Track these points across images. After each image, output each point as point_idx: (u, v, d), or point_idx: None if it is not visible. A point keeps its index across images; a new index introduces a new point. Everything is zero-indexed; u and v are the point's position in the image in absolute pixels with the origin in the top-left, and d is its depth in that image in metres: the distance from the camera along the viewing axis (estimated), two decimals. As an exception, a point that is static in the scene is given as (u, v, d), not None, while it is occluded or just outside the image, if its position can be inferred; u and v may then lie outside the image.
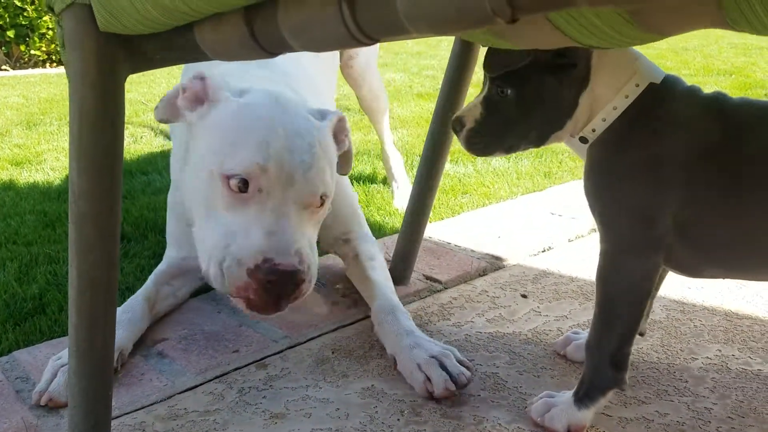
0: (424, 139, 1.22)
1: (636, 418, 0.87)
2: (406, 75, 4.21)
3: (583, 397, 0.83)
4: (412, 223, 1.26)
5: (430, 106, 3.10)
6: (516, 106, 0.82)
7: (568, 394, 0.85)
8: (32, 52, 5.61)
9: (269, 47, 0.55)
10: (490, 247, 1.43)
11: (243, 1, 0.51)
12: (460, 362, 0.97)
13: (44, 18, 5.69)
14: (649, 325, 1.09)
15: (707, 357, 1.00)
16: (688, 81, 0.82)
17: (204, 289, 1.29)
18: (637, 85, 0.80)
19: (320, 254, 1.20)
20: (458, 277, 1.30)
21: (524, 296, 1.22)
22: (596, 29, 0.50)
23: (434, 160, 1.20)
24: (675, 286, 1.22)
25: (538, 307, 1.18)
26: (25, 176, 2.12)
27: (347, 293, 1.25)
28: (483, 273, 1.33)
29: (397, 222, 1.61)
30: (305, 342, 1.09)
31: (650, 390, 0.93)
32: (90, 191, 0.63)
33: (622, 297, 0.80)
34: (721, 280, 1.24)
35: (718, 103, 0.79)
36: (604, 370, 0.81)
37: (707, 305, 1.17)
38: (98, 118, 0.60)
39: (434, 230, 1.54)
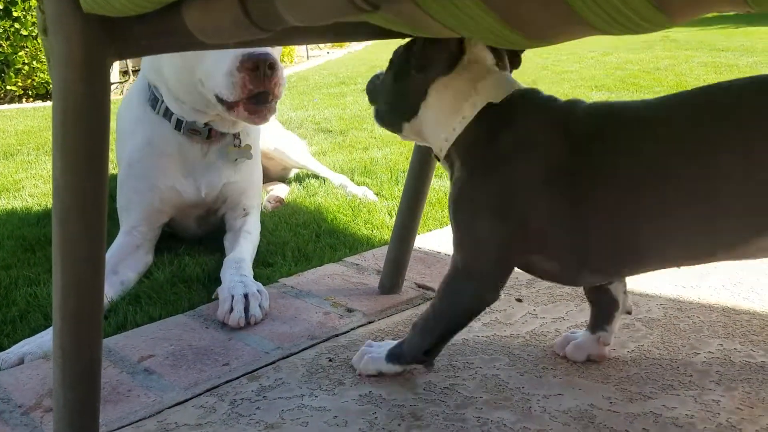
0: (407, 155, 1.21)
1: (643, 413, 0.84)
2: (385, 99, 4.22)
3: (394, 357, 0.93)
4: (402, 234, 1.24)
5: (411, 127, 3.10)
6: (386, 78, 0.91)
7: (384, 347, 0.96)
8: (8, 87, 5.56)
9: (263, 23, 0.53)
10: (482, 255, 1.42)
11: (236, -27, 0.49)
12: (262, 306, 1.18)
13: (20, 53, 5.66)
14: (647, 323, 1.08)
15: (709, 351, 0.99)
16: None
17: (190, 306, 1.26)
18: (474, 105, 0.81)
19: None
20: (451, 284, 1.28)
21: (519, 300, 1.20)
22: (618, 13, 0.48)
23: (422, 172, 1.18)
24: (670, 286, 1.21)
25: (534, 310, 1.16)
26: (3, 203, 2.07)
27: (339, 303, 1.22)
28: (476, 280, 1.31)
29: (385, 234, 1.59)
30: (298, 352, 1.05)
31: (655, 385, 0.90)
32: (74, 183, 0.60)
33: (451, 314, 0.87)
34: (715, 278, 1.24)
35: (566, 114, 0.79)
36: (418, 352, 0.90)
37: (704, 302, 1.15)
38: (83, 104, 0.58)
39: (423, 241, 1.52)
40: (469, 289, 0.84)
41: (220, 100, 1.33)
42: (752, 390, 0.88)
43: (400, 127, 0.91)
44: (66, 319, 0.65)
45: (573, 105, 0.80)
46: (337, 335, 1.10)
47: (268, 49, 1.29)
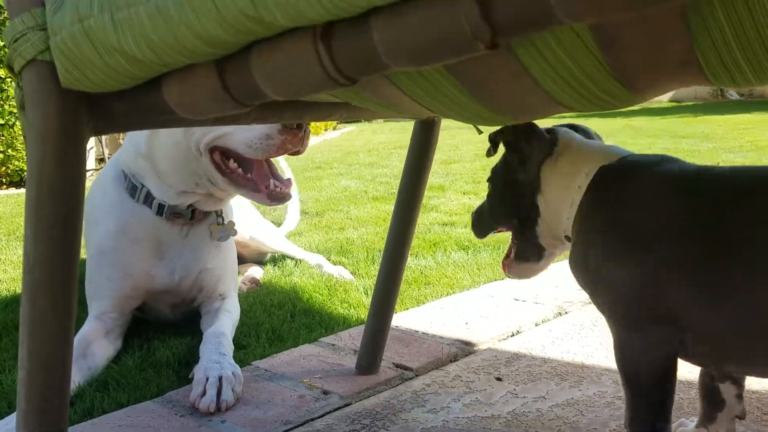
0: (383, 235, 1.22)
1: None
2: (360, 182, 4.28)
3: None
4: (379, 313, 1.23)
5: (385, 208, 3.13)
6: (492, 196, 0.91)
7: None
8: (-20, 173, 5.51)
9: (242, 97, 0.54)
10: (459, 333, 1.40)
11: (219, 51, 0.50)
12: (234, 390, 1.14)
13: (-6, 139, 5.65)
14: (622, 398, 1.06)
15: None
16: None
17: (159, 391, 1.21)
18: (587, 174, 0.79)
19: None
20: (429, 364, 1.26)
21: (499, 379, 1.18)
22: (582, 87, 0.50)
23: (398, 251, 1.19)
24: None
25: (515, 389, 1.14)
26: (-33, 288, 2.01)
27: (314, 385, 1.19)
28: (454, 358, 1.29)
29: (362, 313, 1.57)
30: (272, 437, 1.02)
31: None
32: (47, 258, 0.59)
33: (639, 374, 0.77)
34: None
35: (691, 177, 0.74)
36: None
37: (683, 379, 1.14)
38: (58, 180, 0.57)
39: (400, 320, 1.51)
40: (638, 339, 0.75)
41: (222, 171, 1.38)
42: (738, 468, 0.87)
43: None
44: (31, 402, 0.62)
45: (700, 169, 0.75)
46: (312, 419, 1.07)
47: None
